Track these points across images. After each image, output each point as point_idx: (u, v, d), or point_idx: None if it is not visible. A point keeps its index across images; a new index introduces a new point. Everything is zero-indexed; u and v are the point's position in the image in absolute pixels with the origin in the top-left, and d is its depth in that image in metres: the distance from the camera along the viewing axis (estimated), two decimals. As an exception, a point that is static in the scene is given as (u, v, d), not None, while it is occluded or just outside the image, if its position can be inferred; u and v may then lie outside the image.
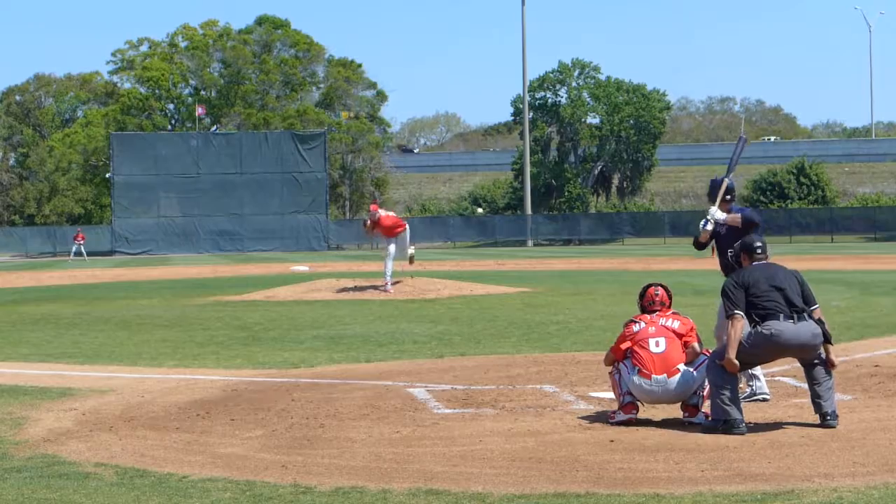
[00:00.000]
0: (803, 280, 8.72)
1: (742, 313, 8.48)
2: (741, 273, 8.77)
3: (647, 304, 9.37)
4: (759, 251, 8.89)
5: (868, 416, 8.87)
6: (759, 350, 8.43)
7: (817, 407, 8.44)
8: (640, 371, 8.81)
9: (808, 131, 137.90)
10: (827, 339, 8.50)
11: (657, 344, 8.90)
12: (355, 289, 24.43)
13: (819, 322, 8.49)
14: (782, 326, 8.36)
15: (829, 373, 8.51)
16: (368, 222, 24.39)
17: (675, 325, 9.06)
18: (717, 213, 10.06)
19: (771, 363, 9.20)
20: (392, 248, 23.98)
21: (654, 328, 9.02)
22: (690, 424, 8.53)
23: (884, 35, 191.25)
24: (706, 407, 8.59)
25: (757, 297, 8.49)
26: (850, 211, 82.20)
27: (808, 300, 8.59)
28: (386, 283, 24.09)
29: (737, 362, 8.37)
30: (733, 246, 9.50)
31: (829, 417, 8.36)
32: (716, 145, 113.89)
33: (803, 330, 8.39)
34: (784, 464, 7.24)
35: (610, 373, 9.14)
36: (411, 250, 24.77)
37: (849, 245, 63.38)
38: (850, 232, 74.48)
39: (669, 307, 9.33)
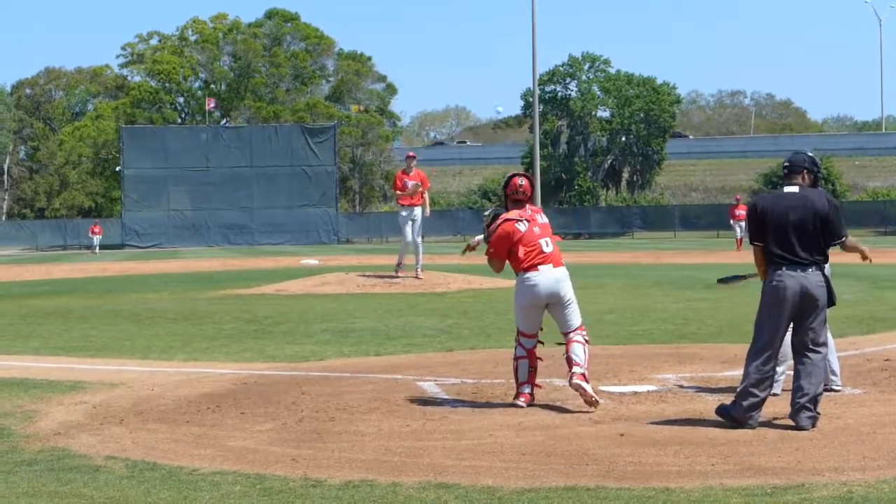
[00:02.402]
0: (829, 217, 8.26)
1: (761, 244, 8.32)
2: (763, 196, 8.48)
3: (510, 194, 9.16)
4: (785, 171, 8.46)
5: (878, 410, 8.85)
6: (774, 308, 8.19)
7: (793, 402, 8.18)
8: (531, 269, 8.97)
9: (819, 125, 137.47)
10: (832, 303, 8.33)
11: (547, 244, 9.03)
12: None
13: (826, 278, 8.29)
14: (785, 276, 8.16)
15: (818, 367, 8.24)
16: (403, 176, 22.95)
17: (545, 220, 9.19)
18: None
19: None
20: (408, 230, 22.99)
21: (537, 228, 9.07)
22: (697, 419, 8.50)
23: (894, 29, 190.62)
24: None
25: (768, 231, 8.23)
26: (861, 205, 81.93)
27: (835, 235, 8.33)
28: (397, 270, 23.58)
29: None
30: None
31: (800, 414, 8.09)
32: (726, 139, 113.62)
33: (808, 279, 8.18)
34: (794, 458, 7.23)
35: (514, 357, 9.20)
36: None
37: (859, 239, 63.07)
38: (860, 226, 74.02)
39: (530, 200, 9.20)
